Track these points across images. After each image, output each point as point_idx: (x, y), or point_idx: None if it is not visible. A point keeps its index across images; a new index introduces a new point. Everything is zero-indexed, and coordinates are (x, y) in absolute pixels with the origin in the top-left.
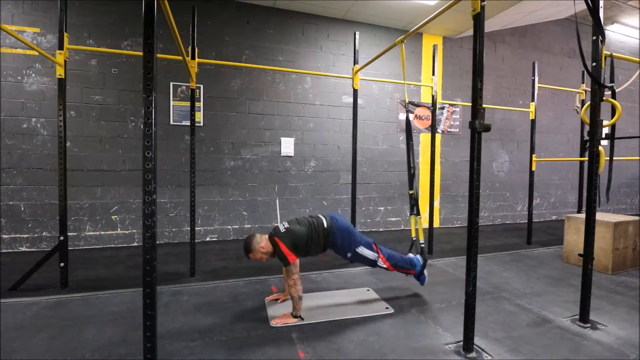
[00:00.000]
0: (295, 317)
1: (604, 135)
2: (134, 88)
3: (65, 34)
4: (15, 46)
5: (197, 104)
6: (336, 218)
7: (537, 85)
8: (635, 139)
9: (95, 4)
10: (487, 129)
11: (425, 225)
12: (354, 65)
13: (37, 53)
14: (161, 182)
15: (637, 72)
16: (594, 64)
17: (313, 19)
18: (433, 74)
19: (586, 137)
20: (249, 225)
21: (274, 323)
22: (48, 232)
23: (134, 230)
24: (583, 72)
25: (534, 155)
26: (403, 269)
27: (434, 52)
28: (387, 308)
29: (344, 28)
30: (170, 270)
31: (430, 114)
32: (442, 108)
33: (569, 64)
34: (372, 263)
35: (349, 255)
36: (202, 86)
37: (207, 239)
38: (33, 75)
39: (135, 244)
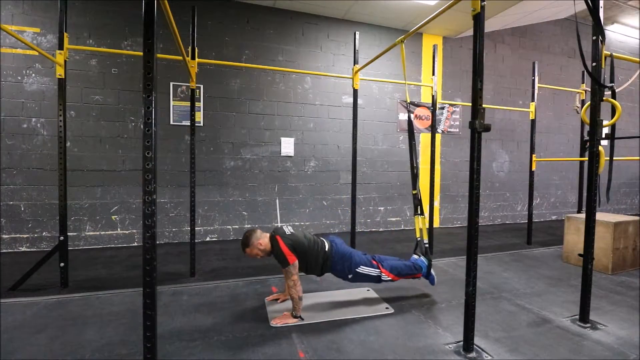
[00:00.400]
0: (295, 317)
1: (604, 135)
2: (134, 88)
3: (65, 34)
4: (15, 46)
5: (197, 104)
6: (336, 242)
7: (537, 85)
8: (635, 139)
9: (95, 4)
10: (487, 129)
11: (425, 225)
12: (354, 65)
13: (37, 53)
14: (161, 182)
15: (637, 72)
16: (594, 64)
17: (313, 19)
18: (433, 74)
19: (586, 137)
20: (249, 225)
21: (274, 323)
22: (48, 232)
23: (134, 230)
24: (583, 72)
25: (534, 155)
26: (409, 275)
27: (434, 52)
28: (387, 308)
29: (344, 28)
30: (170, 270)
31: (430, 114)
32: (442, 108)
33: (569, 64)
34: (376, 279)
35: (350, 277)
36: (202, 86)
37: (207, 239)
38: (33, 75)
39: (135, 244)
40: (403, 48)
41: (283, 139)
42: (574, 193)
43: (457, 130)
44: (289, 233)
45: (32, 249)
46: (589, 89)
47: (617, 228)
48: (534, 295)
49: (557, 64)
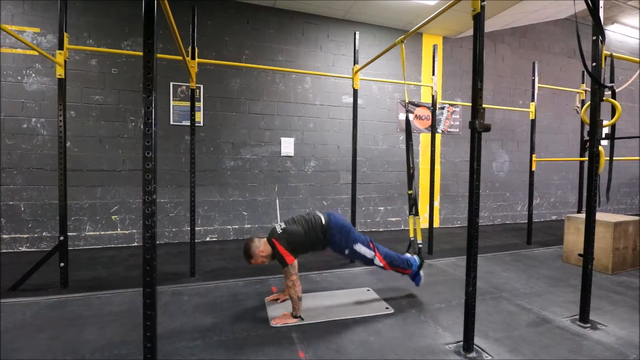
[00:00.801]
0: (295, 317)
1: (604, 135)
2: (134, 88)
3: (65, 34)
4: (15, 46)
5: (197, 104)
6: (333, 214)
7: (537, 85)
8: (635, 139)
9: (95, 4)
10: (487, 129)
11: (425, 225)
12: (354, 65)
13: (37, 53)
14: (161, 182)
15: (637, 72)
16: (594, 64)
17: (313, 19)
18: (433, 74)
19: (586, 137)
20: (249, 225)
21: (274, 323)
22: (48, 232)
23: (134, 230)
24: (583, 72)
25: (534, 155)
26: (399, 268)
27: (434, 52)
28: (387, 308)
29: (344, 28)
30: (170, 270)
31: (430, 114)
32: (442, 108)
33: (569, 64)
34: (369, 261)
35: (346, 252)
36: (202, 86)
37: (207, 239)
38: (33, 75)
39: (135, 244)
40: (403, 48)
41: (283, 139)
42: (574, 193)
43: (457, 130)
44: (281, 231)
45: (32, 249)
46: (589, 89)
47: (617, 228)
48: (534, 295)
49: (557, 64)
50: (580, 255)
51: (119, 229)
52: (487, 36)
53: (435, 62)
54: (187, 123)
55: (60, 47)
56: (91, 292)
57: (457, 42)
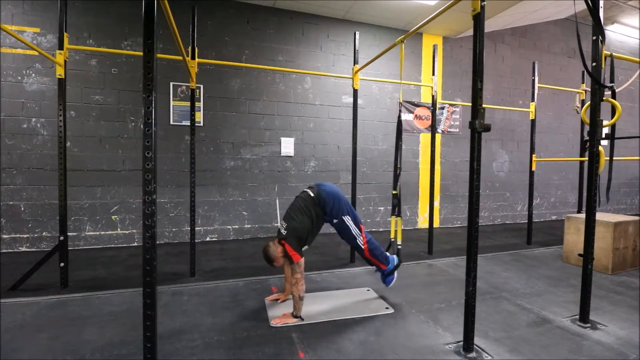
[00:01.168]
0: (295, 317)
1: (604, 135)
2: (134, 88)
3: (65, 34)
4: (15, 46)
5: (197, 104)
6: (322, 184)
7: (537, 85)
8: (635, 139)
9: (95, 4)
10: (487, 129)
11: (426, 225)
12: (354, 65)
13: (37, 53)
14: (161, 182)
15: (637, 72)
16: (594, 64)
17: (313, 19)
18: (433, 74)
19: (586, 137)
20: (249, 225)
21: (274, 323)
22: (48, 232)
23: (134, 230)
24: (583, 72)
25: (534, 155)
26: (377, 260)
27: (434, 52)
28: (387, 308)
29: (344, 28)
30: (171, 270)
31: (430, 114)
32: (442, 108)
33: (569, 64)
34: (353, 239)
35: (334, 221)
36: (202, 86)
37: (207, 239)
38: (33, 75)
39: (135, 244)
40: (402, 48)
41: (283, 139)
42: (574, 193)
43: (457, 130)
44: (285, 231)
45: (32, 249)
46: (589, 89)
47: (617, 228)
48: (534, 295)
49: (557, 64)
50: (580, 255)
51: (119, 229)
52: (487, 36)
53: (435, 62)
54: (187, 123)
55: (60, 47)
56: (91, 292)
57: (457, 42)
